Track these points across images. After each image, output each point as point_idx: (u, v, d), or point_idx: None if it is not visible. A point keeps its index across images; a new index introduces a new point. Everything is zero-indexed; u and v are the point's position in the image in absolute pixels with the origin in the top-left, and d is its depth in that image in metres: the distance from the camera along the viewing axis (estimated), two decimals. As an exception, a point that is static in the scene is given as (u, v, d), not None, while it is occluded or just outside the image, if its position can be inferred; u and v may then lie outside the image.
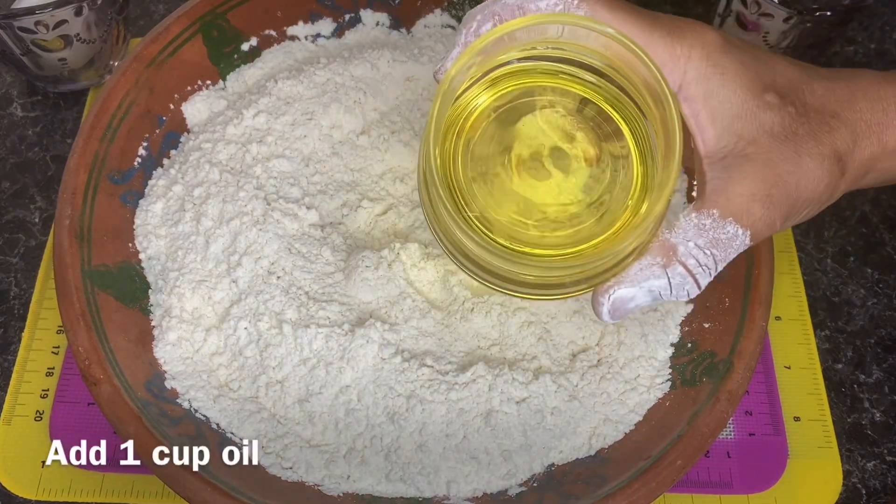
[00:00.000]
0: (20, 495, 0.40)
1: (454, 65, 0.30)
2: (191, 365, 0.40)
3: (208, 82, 0.48)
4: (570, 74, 0.33)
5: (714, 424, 0.37)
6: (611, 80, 0.32)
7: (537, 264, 0.30)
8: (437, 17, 0.52)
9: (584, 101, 0.33)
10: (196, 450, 0.36)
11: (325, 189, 0.45)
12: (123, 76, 0.44)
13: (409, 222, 0.45)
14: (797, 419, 0.43)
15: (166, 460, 0.35)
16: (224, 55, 0.49)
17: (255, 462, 0.37)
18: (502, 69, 0.33)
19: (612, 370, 0.40)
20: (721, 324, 0.41)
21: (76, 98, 0.53)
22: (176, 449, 0.35)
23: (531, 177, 0.32)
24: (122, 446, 0.38)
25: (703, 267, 0.29)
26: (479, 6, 0.32)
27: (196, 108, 0.47)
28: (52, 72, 0.50)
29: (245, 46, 0.49)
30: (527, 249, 0.31)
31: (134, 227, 0.43)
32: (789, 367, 0.45)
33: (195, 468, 0.35)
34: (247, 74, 0.49)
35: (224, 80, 0.49)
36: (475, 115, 0.33)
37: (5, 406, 0.43)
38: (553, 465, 0.39)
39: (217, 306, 0.41)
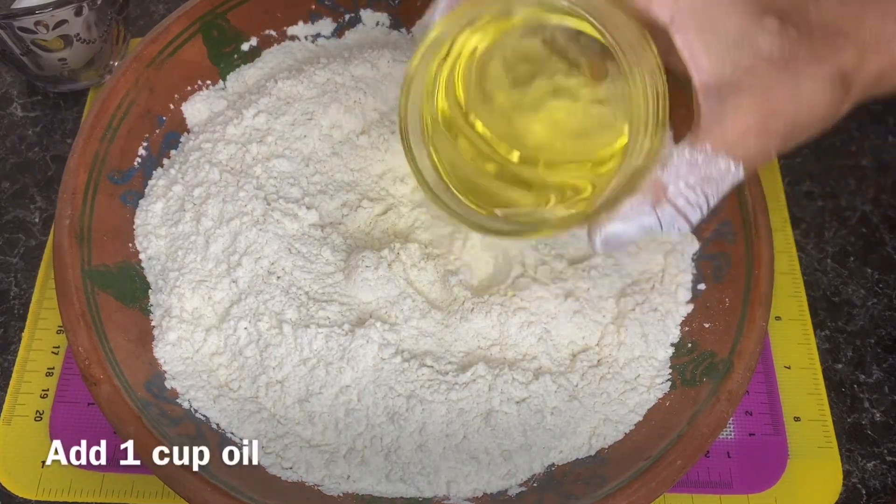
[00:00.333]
0: (20, 495, 0.40)
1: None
2: (191, 365, 0.40)
3: (208, 82, 0.48)
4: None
5: (714, 424, 0.37)
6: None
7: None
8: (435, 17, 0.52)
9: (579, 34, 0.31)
10: (196, 450, 0.36)
11: (325, 189, 0.45)
12: (123, 76, 0.44)
13: (409, 222, 0.45)
14: (797, 419, 0.43)
15: (166, 460, 0.35)
16: (224, 55, 0.49)
17: (255, 462, 0.37)
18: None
19: (612, 370, 0.40)
20: (721, 324, 0.41)
21: (76, 98, 0.53)
22: (176, 449, 0.35)
23: (531, 108, 0.31)
24: (122, 446, 0.38)
25: (694, 206, 0.29)
26: None
27: (196, 108, 0.47)
28: (52, 72, 0.50)
29: (245, 46, 0.49)
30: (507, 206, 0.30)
31: (134, 227, 0.43)
32: (789, 367, 0.45)
33: (195, 468, 0.35)
34: (247, 74, 0.49)
35: (224, 80, 0.49)
36: (471, 53, 0.32)
37: (5, 406, 0.43)
38: (553, 465, 0.39)
39: (217, 306, 0.41)
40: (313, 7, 0.51)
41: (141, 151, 0.45)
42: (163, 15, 0.57)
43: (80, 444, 0.41)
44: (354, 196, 0.45)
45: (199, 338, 0.40)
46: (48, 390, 0.43)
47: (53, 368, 0.44)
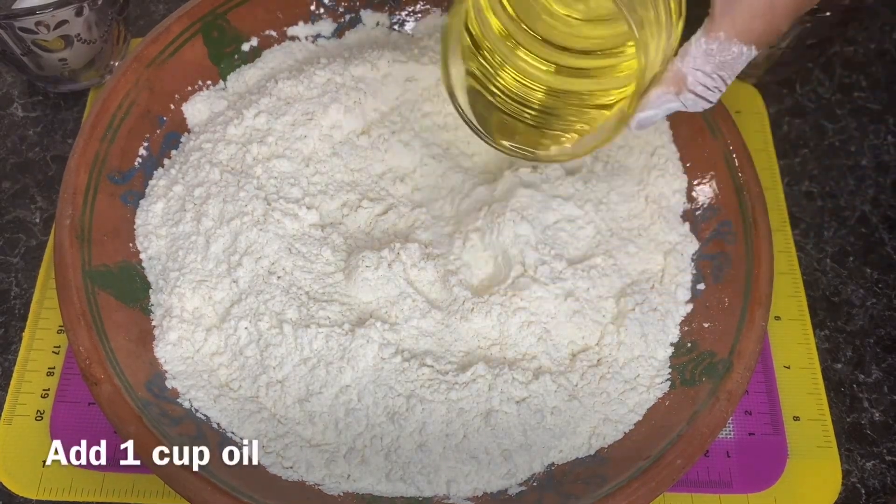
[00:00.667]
0: (21, 495, 0.40)
1: None
2: (191, 365, 0.40)
3: (209, 82, 0.48)
4: None
5: (714, 424, 0.37)
6: None
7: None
8: (437, 18, 0.52)
9: None
10: (196, 449, 0.36)
11: (325, 189, 0.45)
12: (124, 76, 0.44)
13: (409, 222, 0.45)
14: (797, 419, 0.43)
15: (167, 460, 0.35)
16: (224, 55, 0.49)
17: (255, 462, 0.37)
18: None
19: (612, 370, 0.40)
20: (721, 324, 0.41)
21: (77, 98, 0.53)
22: (176, 449, 0.35)
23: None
24: (123, 446, 0.38)
25: (712, 89, 0.32)
26: None
27: (196, 109, 0.47)
28: (52, 72, 0.50)
29: (245, 47, 0.49)
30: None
31: (134, 227, 0.44)
32: (789, 367, 0.45)
33: (195, 468, 0.35)
34: (247, 75, 0.49)
35: (224, 80, 0.49)
36: None
37: (6, 406, 0.43)
38: (553, 464, 0.39)
39: (217, 306, 0.41)
40: (313, 7, 0.51)
41: (141, 151, 0.45)
42: (163, 15, 0.57)
43: (80, 444, 0.41)
44: (354, 196, 0.45)
45: (200, 338, 0.40)
46: (49, 390, 0.43)
47: (54, 368, 0.44)
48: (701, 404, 0.38)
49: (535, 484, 0.38)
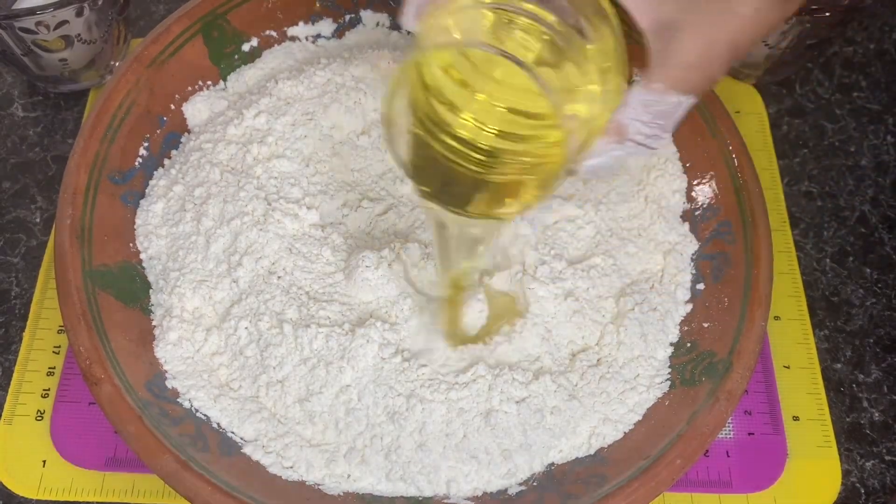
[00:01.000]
0: (21, 494, 0.40)
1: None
2: (191, 365, 0.40)
3: (209, 82, 0.48)
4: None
5: (713, 424, 0.37)
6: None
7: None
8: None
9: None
10: (196, 449, 0.36)
11: (325, 189, 0.45)
12: (124, 76, 0.44)
13: (409, 222, 0.45)
14: (796, 419, 0.43)
15: (167, 460, 0.35)
16: (225, 55, 0.49)
17: (255, 461, 0.37)
18: None
19: (612, 370, 0.40)
20: (720, 324, 0.41)
21: (77, 98, 0.53)
22: (176, 448, 0.35)
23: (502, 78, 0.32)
24: (123, 446, 0.38)
25: (652, 137, 0.32)
26: None
27: (197, 109, 0.47)
28: (52, 72, 0.50)
29: (246, 47, 0.49)
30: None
31: (135, 227, 0.44)
32: (788, 367, 0.45)
33: (196, 468, 0.35)
34: (247, 75, 0.49)
35: (225, 80, 0.49)
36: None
37: (6, 405, 0.43)
38: (553, 464, 0.39)
39: (218, 306, 0.41)
40: (314, 7, 0.51)
41: (142, 152, 0.45)
42: (163, 15, 0.57)
43: (80, 444, 0.41)
44: (354, 196, 0.45)
45: (200, 337, 0.40)
46: (49, 390, 0.43)
47: (54, 368, 0.44)
48: (701, 404, 0.38)
49: (535, 484, 0.38)
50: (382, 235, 0.44)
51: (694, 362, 0.40)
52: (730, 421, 0.43)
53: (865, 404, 0.45)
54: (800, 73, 0.56)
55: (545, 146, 0.31)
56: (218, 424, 0.38)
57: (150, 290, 0.42)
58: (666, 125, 0.32)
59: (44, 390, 0.43)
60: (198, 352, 0.40)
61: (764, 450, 0.42)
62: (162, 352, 0.40)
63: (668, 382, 0.40)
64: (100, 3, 0.47)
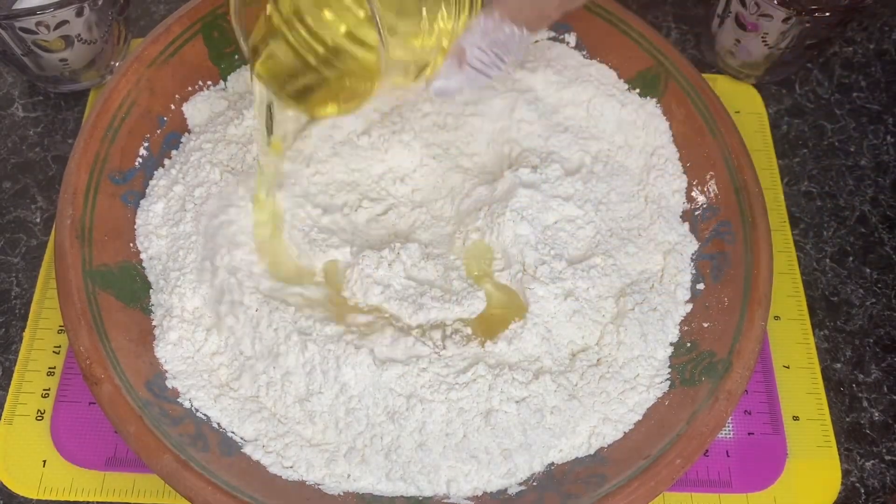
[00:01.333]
0: (21, 494, 0.40)
1: None
2: (191, 364, 0.40)
3: (209, 82, 0.48)
4: None
5: (713, 424, 0.37)
6: None
7: None
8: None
9: None
10: (197, 449, 0.36)
11: (325, 189, 0.45)
12: (124, 76, 0.44)
13: (409, 222, 0.45)
14: (796, 418, 0.43)
15: (167, 459, 0.35)
16: (225, 55, 0.49)
17: (255, 461, 0.37)
18: None
19: (612, 370, 0.40)
20: (720, 323, 0.41)
21: (77, 98, 0.53)
22: (176, 448, 0.35)
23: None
24: (123, 446, 0.38)
25: (489, 65, 0.35)
26: None
27: (197, 109, 0.47)
28: (53, 72, 0.50)
29: (246, 47, 0.49)
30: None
31: (135, 227, 0.44)
32: (788, 367, 0.45)
33: (196, 467, 0.35)
34: (247, 75, 0.49)
35: (225, 80, 0.49)
36: None
37: (7, 405, 0.43)
38: (553, 464, 0.39)
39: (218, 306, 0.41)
40: (313, 8, 0.51)
41: (142, 152, 0.45)
42: (164, 15, 0.57)
43: (80, 444, 0.41)
44: (355, 196, 0.45)
45: (200, 337, 0.40)
46: (49, 390, 0.43)
47: (55, 368, 0.44)
48: (700, 404, 0.38)
49: (534, 483, 0.38)
50: (382, 235, 0.44)
51: (694, 362, 0.40)
52: (729, 421, 0.43)
53: (865, 404, 0.45)
54: (800, 73, 0.56)
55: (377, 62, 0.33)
56: (218, 424, 0.38)
57: (151, 290, 0.42)
58: (502, 54, 0.34)
59: (44, 390, 0.43)
60: (198, 352, 0.40)
61: (764, 449, 0.42)
62: (162, 352, 0.40)
63: (668, 382, 0.40)
64: (100, 3, 0.47)
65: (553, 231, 0.44)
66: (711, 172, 0.45)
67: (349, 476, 0.38)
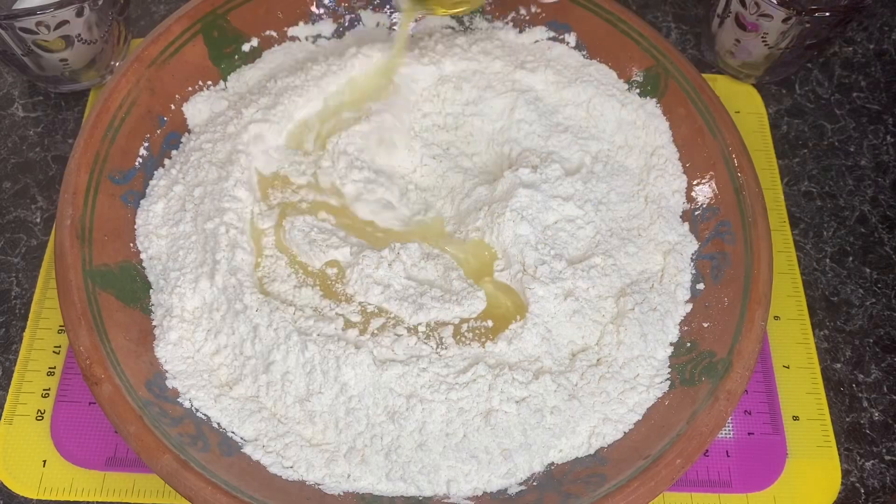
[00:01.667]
0: (21, 494, 0.40)
1: None
2: (191, 364, 0.40)
3: (209, 83, 0.48)
4: None
5: (713, 424, 0.37)
6: None
7: None
8: (437, 19, 0.52)
9: None
10: (197, 449, 0.36)
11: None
12: (124, 76, 0.44)
13: (409, 223, 0.45)
14: (796, 418, 0.43)
15: (167, 459, 0.35)
16: (225, 55, 0.49)
17: (255, 461, 0.37)
18: None
19: (612, 370, 0.40)
20: (720, 323, 0.41)
21: (77, 98, 0.53)
22: (177, 448, 0.35)
23: None
24: (124, 446, 0.38)
25: None
26: None
27: (197, 109, 0.47)
28: (53, 72, 0.50)
29: (246, 47, 0.50)
30: None
31: (135, 227, 0.44)
32: (788, 367, 0.45)
33: (196, 467, 0.35)
34: (247, 75, 0.49)
35: (225, 80, 0.49)
36: None
37: (7, 405, 0.43)
38: (553, 464, 0.39)
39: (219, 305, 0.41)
40: (314, 8, 0.51)
41: (142, 151, 0.45)
42: (164, 15, 0.57)
43: (80, 444, 0.41)
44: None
45: (200, 337, 0.40)
46: (49, 390, 0.43)
47: (55, 368, 0.44)
48: (700, 404, 0.38)
49: (534, 483, 0.38)
50: (382, 235, 0.44)
51: (694, 362, 0.40)
52: (729, 421, 0.43)
53: (865, 404, 0.45)
54: (800, 73, 0.56)
55: None
56: (218, 424, 0.38)
57: (151, 290, 0.42)
58: None
59: (44, 390, 0.43)
60: (198, 351, 0.40)
61: (764, 449, 0.42)
62: (162, 351, 0.40)
63: (668, 382, 0.40)
64: (100, 3, 0.47)
65: (553, 231, 0.44)
66: (711, 172, 0.45)
67: (349, 476, 0.38)
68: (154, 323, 0.41)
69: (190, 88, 0.48)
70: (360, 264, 0.41)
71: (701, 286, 0.43)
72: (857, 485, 0.42)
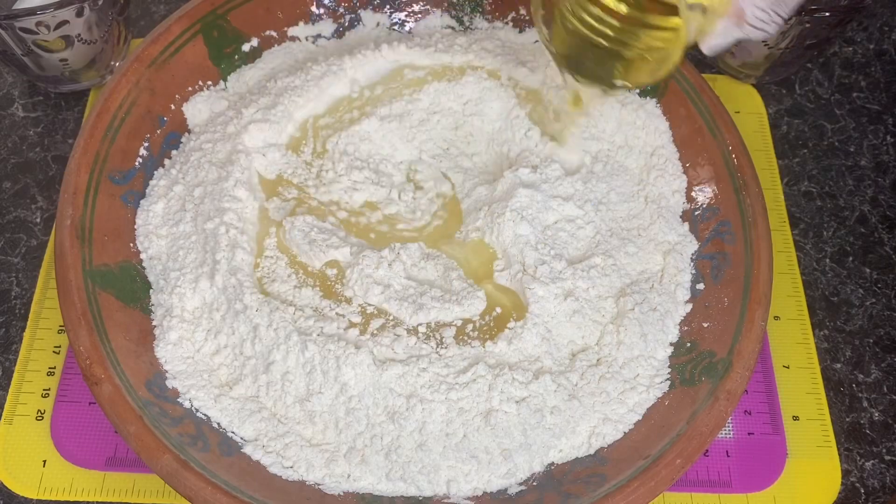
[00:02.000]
0: (21, 494, 0.40)
1: None
2: (191, 364, 0.40)
3: (209, 83, 0.48)
4: None
5: (713, 424, 0.37)
6: None
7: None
8: (437, 19, 0.52)
9: None
10: (197, 449, 0.36)
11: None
12: (124, 76, 0.44)
13: (409, 223, 0.45)
14: (796, 418, 0.43)
15: (167, 459, 0.35)
16: (225, 56, 0.49)
17: (255, 461, 0.37)
18: None
19: (612, 370, 0.40)
20: (720, 323, 0.41)
21: (77, 98, 0.53)
22: (177, 448, 0.35)
23: None
24: (123, 446, 0.38)
25: (768, 23, 0.35)
26: None
27: (197, 109, 0.47)
28: (53, 72, 0.50)
29: (246, 47, 0.50)
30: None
31: (135, 227, 0.44)
32: (788, 367, 0.45)
33: (196, 467, 0.35)
34: (247, 75, 0.49)
35: (225, 80, 0.49)
36: None
37: (7, 405, 0.43)
38: (553, 464, 0.39)
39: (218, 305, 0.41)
40: (313, 8, 0.51)
41: (142, 152, 0.45)
42: (164, 15, 0.57)
43: (80, 444, 0.41)
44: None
45: (200, 337, 0.40)
46: (49, 390, 0.43)
47: (55, 368, 0.44)
48: (700, 404, 0.38)
49: (534, 483, 0.38)
50: (382, 235, 0.44)
51: (694, 362, 0.40)
52: (729, 421, 0.43)
53: (865, 404, 0.45)
54: (799, 73, 0.56)
55: (666, 31, 0.35)
56: (218, 424, 0.38)
57: (151, 290, 0.42)
58: (783, 11, 0.35)
59: (44, 390, 0.43)
60: (198, 351, 0.40)
61: (764, 450, 0.42)
62: (162, 351, 0.40)
63: (668, 382, 0.40)
64: (100, 3, 0.47)
65: (553, 231, 0.44)
66: (711, 172, 0.45)
67: (349, 476, 0.38)
68: (154, 323, 0.41)
69: (190, 88, 0.48)
70: (360, 264, 0.41)
71: (701, 286, 0.43)
72: (857, 485, 0.42)
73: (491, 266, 0.43)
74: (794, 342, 0.46)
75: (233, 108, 0.47)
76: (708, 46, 0.36)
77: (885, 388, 0.45)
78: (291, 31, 0.51)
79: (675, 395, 0.39)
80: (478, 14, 0.52)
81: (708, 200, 0.45)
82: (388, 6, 0.52)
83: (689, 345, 0.41)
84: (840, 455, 0.43)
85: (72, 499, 0.40)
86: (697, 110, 0.46)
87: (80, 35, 0.48)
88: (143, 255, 0.43)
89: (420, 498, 0.37)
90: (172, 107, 0.47)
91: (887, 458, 0.43)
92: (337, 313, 0.41)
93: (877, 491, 0.42)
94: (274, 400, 0.39)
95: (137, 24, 0.57)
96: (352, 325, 0.40)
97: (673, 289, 0.43)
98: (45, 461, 0.41)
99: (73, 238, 0.40)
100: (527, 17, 0.51)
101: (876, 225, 0.50)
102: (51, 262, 0.47)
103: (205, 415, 0.38)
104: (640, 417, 0.39)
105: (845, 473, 0.42)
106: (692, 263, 0.44)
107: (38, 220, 0.49)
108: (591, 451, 0.39)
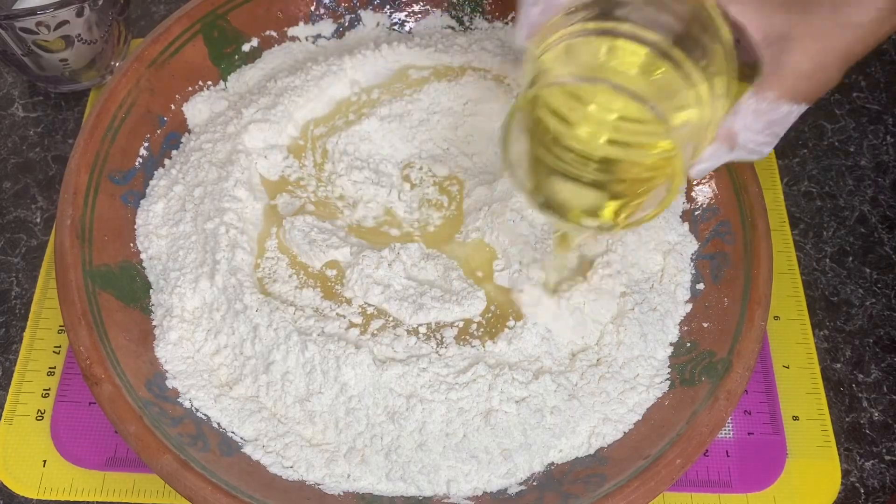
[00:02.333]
0: (21, 494, 0.40)
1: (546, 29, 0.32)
2: (192, 364, 0.40)
3: (209, 83, 0.48)
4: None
5: (713, 424, 0.37)
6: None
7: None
8: (437, 19, 0.52)
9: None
10: (197, 449, 0.36)
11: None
12: (124, 76, 0.44)
13: (409, 223, 0.45)
14: (796, 418, 0.43)
15: (167, 459, 0.35)
16: (225, 56, 0.49)
17: (255, 461, 0.37)
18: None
19: (612, 370, 0.40)
20: (720, 323, 0.41)
21: (77, 98, 0.53)
22: (177, 448, 0.35)
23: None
24: (123, 446, 0.38)
25: (763, 144, 0.33)
26: None
27: (197, 109, 0.47)
28: (53, 72, 0.50)
29: (246, 47, 0.50)
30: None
31: (135, 227, 0.44)
32: (788, 367, 0.45)
33: (196, 467, 0.35)
34: (247, 75, 0.49)
35: (225, 80, 0.49)
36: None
37: (7, 405, 0.43)
38: (553, 464, 0.39)
39: (218, 305, 0.41)
40: (313, 8, 0.51)
41: (142, 152, 0.45)
42: (164, 16, 0.57)
43: (80, 444, 0.41)
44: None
45: (200, 337, 0.40)
46: (49, 390, 0.43)
47: (55, 368, 0.44)
48: (700, 404, 0.38)
49: (534, 483, 0.38)
50: (382, 235, 0.44)
51: (694, 362, 0.40)
52: (729, 421, 0.43)
53: (865, 404, 0.45)
54: (799, 74, 0.56)
55: (657, 155, 0.32)
56: (218, 424, 0.38)
57: (151, 290, 0.42)
58: (778, 132, 0.33)
59: (44, 390, 0.43)
60: (198, 351, 0.40)
61: (764, 450, 0.42)
62: (162, 351, 0.40)
63: (668, 382, 0.40)
64: (100, 3, 0.47)
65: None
66: (711, 172, 0.45)
67: (349, 476, 0.38)
68: (154, 323, 0.41)
69: (190, 88, 0.48)
70: (360, 264, 0.41)
71: (701, 286, 0.43)
72: (857, 485, 0.42)
73: (491, 266, 0.43)
74: (793, 342, 0.46)
75: (233, 108, 0.47)
76: (696, 171, 0.34)
77: (885, 388, 0.45)
78: (291, 31, 0.51)
79: (674, 395, 0.39)
80: (478, 14, 0.52)
81: (708, 200, 0.45)
82: (388, 6, 0.52)
83: (689, 345, 0.41)
84: (840, 455, 0.43)
85: (72, 499, 0.40)
86: (697, 110, 0.46)
87: (80, 35, 0.48)
88: (143, 255, 0.43)
89: (420, 498, 0.37)
90: (172, 107, 0.47)
91: (887, 458, 0.43)
92: (337, 314, 0.41)
93: (877, 491, 0.42)
94: (274, 400, 0.39)
95: (137, 24, 0.57)
96: (352, 325, 0.40)
97: (673, 289, 0.43)
98: (45, 461, 0.41)
99: (73, 238, 0.40)
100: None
101: (876, 225, 0.50)
102: (51, 262, 0.47)
103: (205, 415, 0.38)
104: (639, 417, 0.39)
105: (845, 473, 0.42)
106: (692, 263, 0.44)
107: (38, 220, 0.49)
108: (591, 451, 0.39)
